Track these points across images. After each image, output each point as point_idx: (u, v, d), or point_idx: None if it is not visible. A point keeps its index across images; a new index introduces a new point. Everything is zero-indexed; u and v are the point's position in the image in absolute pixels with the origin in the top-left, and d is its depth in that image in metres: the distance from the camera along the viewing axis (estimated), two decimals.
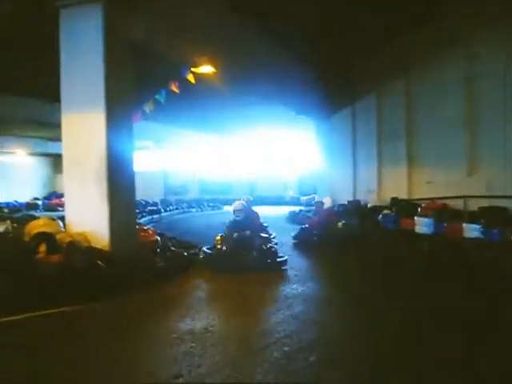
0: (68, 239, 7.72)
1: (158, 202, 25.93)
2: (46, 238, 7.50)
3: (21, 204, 28.23)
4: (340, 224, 13.42)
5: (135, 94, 9.10)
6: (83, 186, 8.22)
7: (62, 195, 30.38)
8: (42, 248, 7.28)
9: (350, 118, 18.61)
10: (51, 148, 29.42)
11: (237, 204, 10.21)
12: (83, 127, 8.29)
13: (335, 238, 12.31)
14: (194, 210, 27.20)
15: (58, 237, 7.74)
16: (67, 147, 8.56)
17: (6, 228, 8.22)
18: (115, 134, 8.26)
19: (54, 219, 8.64)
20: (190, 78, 11.44)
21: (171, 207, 25.63)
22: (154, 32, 9.62)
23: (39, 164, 35.39)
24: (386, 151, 17.09)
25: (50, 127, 21.61)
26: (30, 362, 4.52)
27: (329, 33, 13.06)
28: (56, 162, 35.01)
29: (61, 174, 27.16)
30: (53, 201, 30.13)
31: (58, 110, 8.72)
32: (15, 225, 8.44)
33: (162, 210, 23.41)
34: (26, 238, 7.70)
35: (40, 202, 29.93)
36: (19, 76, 14.68)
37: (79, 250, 7.43)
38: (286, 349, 4.73)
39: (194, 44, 10.53)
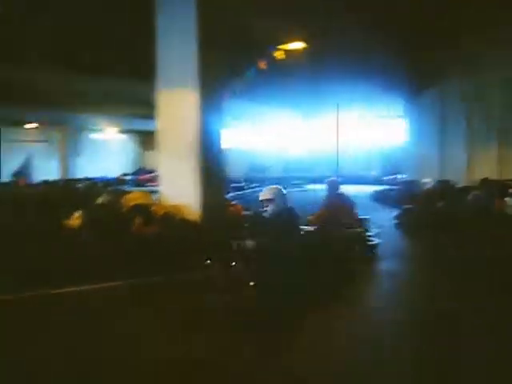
0: (162, 211, 8.05)
1: (242, 179, 26.24)
2: (142, 209, 7.85)
3: (111, 179, 29.43)
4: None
5: (226, 71, 9.29)
6: (176, 161, 8.54)
7: (149, 171, 31.48)
8: (138, 219, 7.63)
9: (439, 96, 18.10)
10: (140, 125, 30.40)
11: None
12: (177, 103, 8.57)
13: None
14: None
15: (152, 209, 8.09)
16: (161, 123, 8.87)
17: (104, 200, 8.65)
18: (207, 110, 8.49)
19: (148, 192, 9.02)
20: (279, 54, 11.48)
21: (255, 184, 25.86)
22: (244, 10, 9.75)
23: (128, 141, 36.67)
24: (477, 130, 16.53)
25: (139, 105, 22.34)
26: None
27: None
28: (144, 138, 36.17)
29: (148, 150, 28.11)
30: (141, 176, 31.15)
31: (148, 88, 9.03)
32: (112, 197, 8.85)
33: (246, 187, 23.69)
34: (123, 210, 8.10)
35: (129, 178, 31.01)
36: (110, 56, 15.21)
37: (173, 222, 7.74)
38: None
39: (282, 21, 10.58)
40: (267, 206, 6.50)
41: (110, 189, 14.99)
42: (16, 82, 17.10)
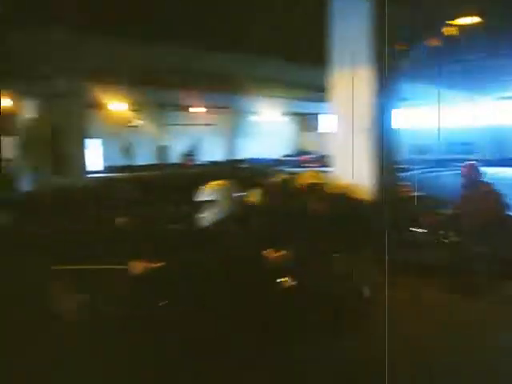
0: (336, 191, 8.21)
1: (404, 160, 25.62)
2: (317, 188, 8.06)
3: (272, 160, 30.33)
4: None
5: (398, 51, 9.19)
6: (349, 142, 8.65)
7: (308, 153, 31.98)
8: (314, 198, 7.85)
9: None
10: (300, 107, 30.96)
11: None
12: (351, 85, 8.64)
13: None
14: (438, 169, 26.36)
15: (327, 188, 8.28)
16: (335, 105, 9.05)
17: (281, 179, 8.99)
18: (380, 91, 8.49)
19: (320, 172, 9.22)
20: (451, 30, 11.06)
21: (418, 166, 25.19)
22: None
23: (288, 123, 37.43)
24: None
25: (299, 88, 22.74)
26: None
27: None
28: (303, 120, 36.77)
29: (306, 132, 28.49)
30: (301, 158, 31.69)
31: (310, 71, 9.15)
32: (287, 176, 9.19)
33: (409, 169, 23.14)
34: (297, 188, 8.38)
35: (289, 159, 31.71)
36: (273, 40, 15.51)
37: (347, 201, 7.87)
38: None
39: None
40: None
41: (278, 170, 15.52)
42: (182, 67, 18.05)
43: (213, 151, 30.45)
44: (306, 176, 8.78)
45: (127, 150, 27.86)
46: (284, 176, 9.19)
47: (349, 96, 8.73)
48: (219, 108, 30.06)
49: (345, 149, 8.81)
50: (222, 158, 29.65)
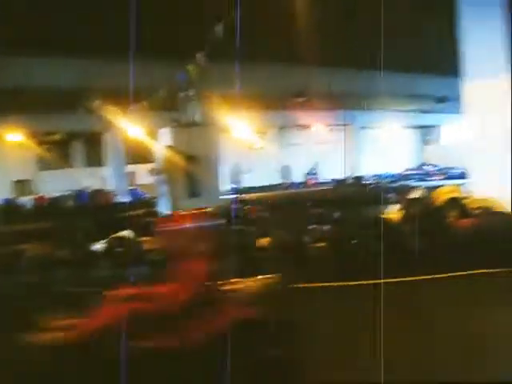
0: (477, 204, 8.07)
1: None
2: (457, 203, 8.00)
3: (395, 175, 29.85)
4: None
5: None
6: (490, 153, 8.52)
7: (432, 166, 31.13)
8: (454, 213, 7.79)
9: None
10: (422, 120, 30.31)
11: None
12: (487, 96, 8.51)
13: None
14: None
15: (466, 202, 8.17)
16: (471, 117, 8.93)
17: (419, 194, 8.99)
18: None
19: (458, 186, 9.13)
20: None
21: None
22: None
23: (410, 136, 36.65)
24: None
25: (421, 100, 22.34)
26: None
27: None
28: (425, 133, 35.91)
29: (430, 144, 27.52)
30: (425, 171, 30.94)
31: (434, 82, 9.05)
32: (426, 191, 9.20)
33: None
34: (437, 203, 8.34)
35: (413, 173, 31.03)
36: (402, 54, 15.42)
37: (490, 215, 7.72)
38: None
39: None
40: None
41: (403, 185, 15.37)
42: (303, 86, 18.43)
43: (336, 169, 30.49)
44: (445, 191, 8.75)
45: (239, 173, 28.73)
46: (422, 191, 9.18)
47: (484, 107, 8.60)
48: (340, 125, 30.10)
49: (483, 160, 8.64)
50: (346, 175, 29.59)
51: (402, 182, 24.37)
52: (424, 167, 32.78)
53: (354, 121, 29.32)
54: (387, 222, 7.79)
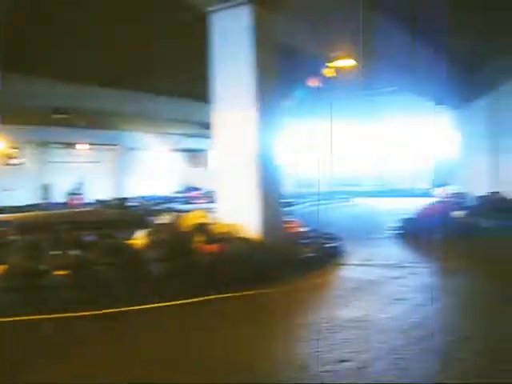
0: (221, 230, 8.23)
1: (290, 194, 26.21)
2: (203, 228, 8.06)
3: (161, 197, 29.98)
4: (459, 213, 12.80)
5: (280, 89, 9.45)
6: (234, 180, 8.74)
7: (197, 189, 31.99)
8: (200, 238, 7.83)
9: (492, 104, 17.86)
10: (189, 144, 31.05)
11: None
12: (234, 123, 8.77)
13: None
14: (324, 202, 27.17)
15: (211, 227, 8.28)
16: (219, 143, 9.11)
17: (167, 219, 8.90)
18: (265, 128, 8.67)
19: (205, 211, 9.23)
20: (329, 72, 11.62)
21: (303, 200, 25.81)
22: (297, 30, 9.96)
23: (177, 159, 37.30)
24: None
25: (187, 125, 22.88)
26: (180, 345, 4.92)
27: (469, 24, 12.56)
28: (192, 156, 36.81)
29: (196, 168, 28.51)
30: (190, 194, 31.62)
31: (198, 108, 9.29)
32: (174, 216, 9.12)
33: (295, 203, 23.68)
34: (184, 229, 8.31)
35: (179, 195, 31.51)
36: (160, 77, 15.60)
37: (233, 240, 7.91)
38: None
39: (333, 39, 10.72)
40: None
41: (162, 208, 15.40)
42: (66, 103, 17.69)
43: (102, 189, 29.58)
44: (192, 216, 8.77)
45: None
46: (170, 216, 9.10)
47: (232, 133, 8.86)
48: (106, 145, 29.47)
49: (229, 186, 8.87)
50: (111, 196, 28.84)
51: (167, 205, 24.47)
52: (190, 190, 33.54)
53: (121, 141, 28.92)
54: (131, 248, 7.53)
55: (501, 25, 12.99)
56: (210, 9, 8.97)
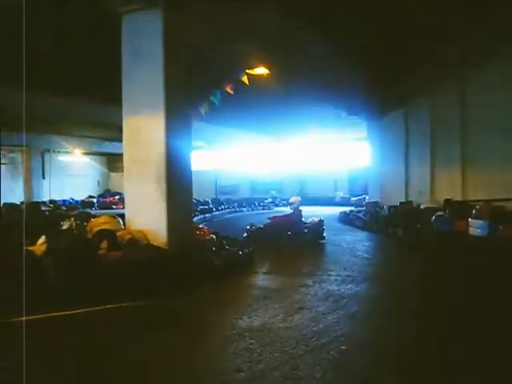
0: (128, 236, 8.01)
1: (210, 201, 26.20)
2: (108, 235, 7.80)
3: (77, 201, 29.17)
4: None
5: (192, 95, 9.35)
6: (143, 185, 8.52)
7: (115, 194, 31.35)
8: (104, 244, 7.57)
9: (403, 118, 18.56)
10: (106, 148, 30.37)
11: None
12: (143, 128, 8.57)
13: None
14: (244, 209, 27.31)
15: (118, 234, 8.04)
16: (128, 147, 8.88)
17: (71, 225, 8.59)
18: (174, 134, 8.52)
19: (114, 217, 8.97)
20: (244, 79, 11.65)
21: (222, 206, 25.82)
22: (209, 36, 9.90)
23: (94, 163, 36.41)
24: (440, 152, 16.96)
25: (105, 128, 22.33)
26: (87, 356, 4.71)
27: (380, 35, 12.91)
28: (110, 161, 36.03)
29: (114, 172, 27.91)
30: (107, 199, 30.97)
31: (114, 112, 9.06)
32: (78, 222, 8.80)
33: (214, 209, 23.64)
34: (89, 235, 8.03)
35: (95, 200, 30.76)
36: (76, 78, 15.09)
37: (139, 247, 7.71)
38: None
39: (247, 47, 10.73)
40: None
41: (75, 213, 14.91)
42: None
43: (12, 192, 28.30)
44: (98, 222, 8.51)
45: None
46: (75, 222, 8.79)
47: (141, 139, 8.66)
48: (18, 147, 28.20)
49: (138, 192, 8.65)
50: (23, 199, 27.66)
51: (82, 209, 23.83)
52: (108, 195, 32.86)
53: (33, 143, 27.82)
54: (31, 254, 7.17)
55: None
56: (121, 10, 8.75)
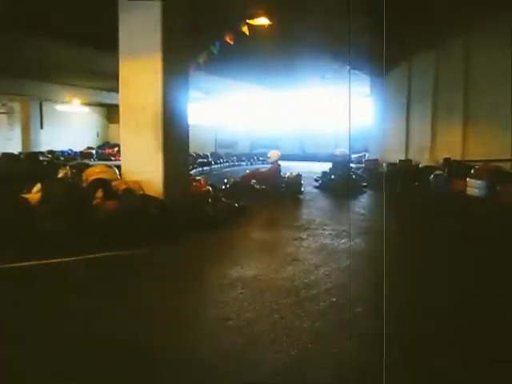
0: (123, 186, 7.96)
1: (209, 155, 26.12)
2: (103, 184, 7.74)
3: (75, 153, 29.05)
4: None
5: (190, 43, 9.13)
6: (139, 136, 8.40)
7: (114, 145, 31.16)
8: (99, 194, 7.53)
9: (406, 73, 18.26)
10: (105, 98, 30.00)
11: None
12: (140, 77, 8.39)
13: None
14: (243, 163, 27.26)
15: (113, 184, 7.99)
16: (124, 96, 8.71)
17: (65, 174, 8.53)
18: (171, 84, 8.37)
19: (110, 167, 8.90)
20: (244, 29, 11.40)
21: (221, 160, 25.80)
22: None
23: (93, 114, 36.11)
24: (441, 110, 16.73)
25: (105, 77, 21.97)
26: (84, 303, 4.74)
27: None
28: (109, 112, 35.72)
29: (114, 123, 27.74)
30: (106, 150, 30.83)
31: (114, 60, 8.87)
32: (74, 171, 8.74)
33: (213, 163, 23.62)
34: (84, 184, 7.99)
35: (94, 152, 30.64)
36: (75, 24, 14.71)
37: (134, 197, 7.67)
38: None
39: None
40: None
41: (71, 163, 14.82)
42: None
43: (11, 142, 28.11)
44: (93, 171, 8.45)
45: None
46: (70, 171, 8.72)
47: (137, 87, 8.49)
48: (16, 95, 27.87)
49: (134, 142, 8.55)
50: (21, 149, 27.49)
51: (81, 161, 23.70)
52: (106, 146, 32.73)
53: (32, 92, 27.49)
54: (25, 201, 7.13)
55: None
56: None
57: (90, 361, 3.51)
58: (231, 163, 26.31)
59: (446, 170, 14.01)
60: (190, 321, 4.41)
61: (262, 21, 11.30)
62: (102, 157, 29.01)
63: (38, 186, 7.65)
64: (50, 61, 19.81)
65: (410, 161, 17.11)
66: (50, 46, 17.82)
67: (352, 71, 19.58)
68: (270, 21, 11.26)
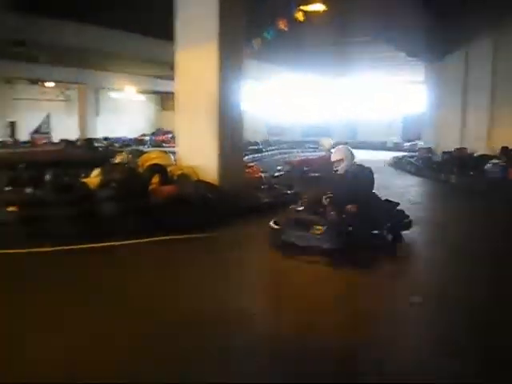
0: (179, 172, 8.09)
1: (260, 142, 26.05)
2: (160, 169, 7.89)
3: (129, 139, 29.57)
4: None
5: (245, 31, 9.15)
6: (194, 122, 8.53)
7: (167, 132, 31.54)
8: (155, 179, 7.67)
9: (463, 60, 17.71)
10: (159, 86, 30.35)
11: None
12: (196, 64, 8.51)
13: None
14: (294, 151, 27.06)
15: (169, 169, 8.12)
16: (180, 84, 8.86)
17: (123, 159, 8.71)
18: (227, 71, 8.43)
19: (165, 152, 9.06)
20: (299, 16, 11.32)
21: (272, 147, 25.70)
22: None
23: (147, 101, 36.64)
24: (501, 97, 16.20)
25: (159, 65, 22.23)
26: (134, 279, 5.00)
27: None
28: (163, 99, 36.17)
29: (167, 111, 28.00)
30: (159, 137, 31.20)
31: (169, 48, 8.98)
32: (130, 156, 8.91)
33: (263, 150, 23.57)
34: (140, 169, 8.14)
35: (147, 138, 31.07)
36: (131, 13, 14.95)
37: (190, 182, 7.79)
38: None
39: None
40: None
41: (127, 149, 15.13)
42: (33, 39, 16.91)
43: (68, 129, 28.90)
44: (150, 157, 8.60)
45: None
46: (125, 156, 8.91)
47: (193, 74, 8.60)
48: (74, 83, 28.57)
49: (189, 129, 8.66)
50: (78, 136, 28.21)
51: (135, 147, 24.12)
52: (160, 133, 33.08)
53: (89, 80, 28.11)
54: (84, 187, 7.33)
55: None
56: None
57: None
58: (282, 150, 26.15)
59: (503, 159, 13.56)
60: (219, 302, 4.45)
61: (317, 7, 11.17)
62: (155, 143, 29.38)
63: (97, 170, 7.87)
64: (109, 50, 20.12)
65: (466, 149, 16.63)
66: (110, 35, 18.19)
67: (407, 58, 19.18)
68: (326, 7, 11.12)
